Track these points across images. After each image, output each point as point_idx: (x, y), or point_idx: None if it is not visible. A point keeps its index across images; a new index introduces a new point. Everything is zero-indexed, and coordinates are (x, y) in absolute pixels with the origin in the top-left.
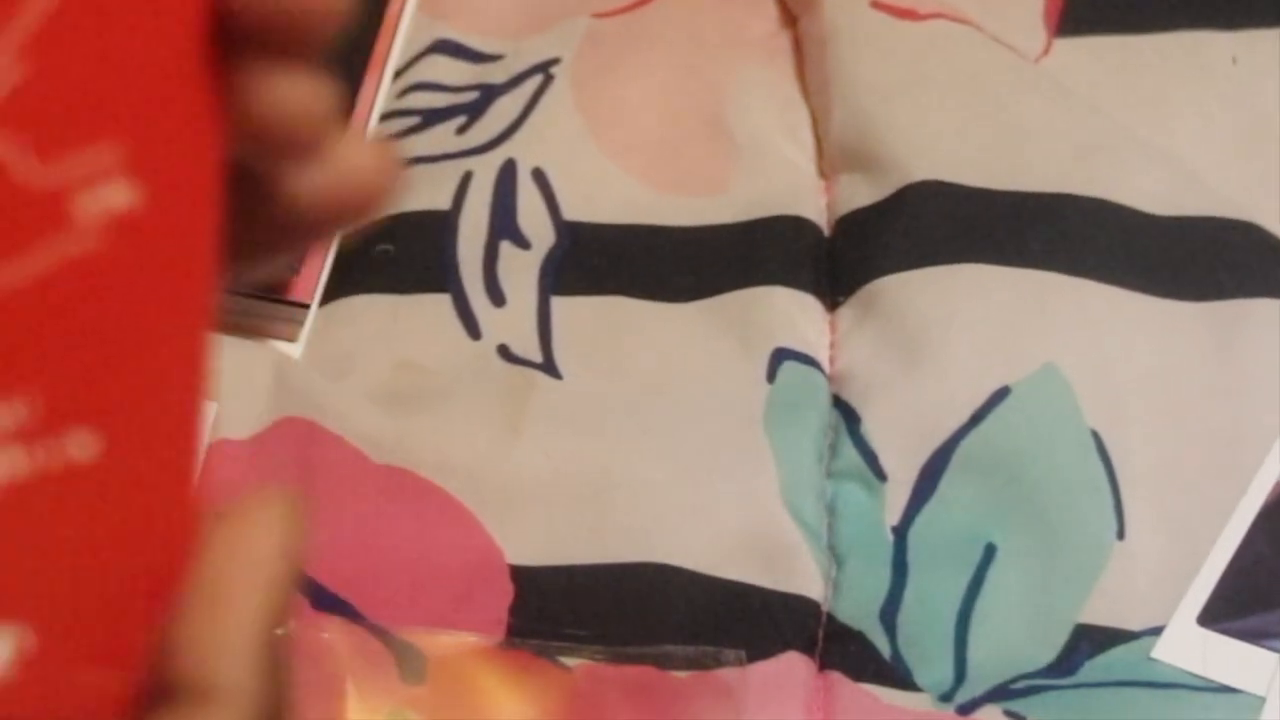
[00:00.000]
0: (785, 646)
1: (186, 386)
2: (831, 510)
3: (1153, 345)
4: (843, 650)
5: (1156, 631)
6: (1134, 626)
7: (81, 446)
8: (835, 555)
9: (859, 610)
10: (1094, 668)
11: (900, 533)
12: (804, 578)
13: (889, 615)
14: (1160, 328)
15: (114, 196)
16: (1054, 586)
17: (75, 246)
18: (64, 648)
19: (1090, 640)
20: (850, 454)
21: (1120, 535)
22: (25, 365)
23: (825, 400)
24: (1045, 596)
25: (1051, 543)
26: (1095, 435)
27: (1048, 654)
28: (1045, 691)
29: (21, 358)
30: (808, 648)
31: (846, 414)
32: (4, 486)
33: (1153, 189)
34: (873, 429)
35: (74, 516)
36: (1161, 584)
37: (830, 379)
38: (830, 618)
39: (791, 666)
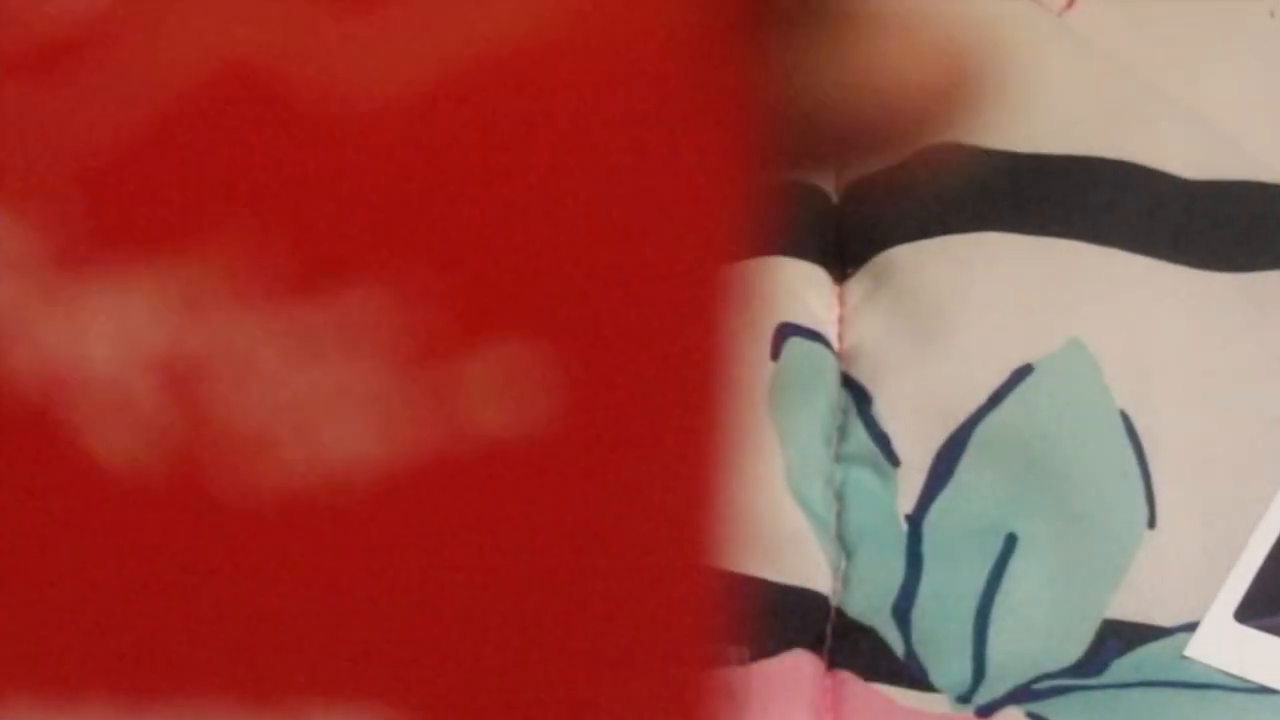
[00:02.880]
0: (791, 644)
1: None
2: (840, 497)
3: (1185, 319)
4: (853, 648)
5: (1190, 628)
6: (1166, 622)
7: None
8: (845, 546)
9: (870, 605)
10: (1123, 667)
11: (915, 521)
12: (811, 570)
13: (902, 610)
14: (1193, 300)
15: None
16: (1080, 579)
17: None
18: None
19: (1119, 637)
20: (860, 437)
21: (1151, 524)
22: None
23: (834, 379)
24: (1070, 590)
25: (1077, 532)
26: (1124, 416)
27: (1073, 652)
28: (1070, 692)
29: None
30: (815, 645)
31: (856, 394)
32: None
33: (1184, 152)
34: (885, 410)
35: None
36: (1195, 577)
37: (839, 356)
38: (839, 613)
39: (798, 665)
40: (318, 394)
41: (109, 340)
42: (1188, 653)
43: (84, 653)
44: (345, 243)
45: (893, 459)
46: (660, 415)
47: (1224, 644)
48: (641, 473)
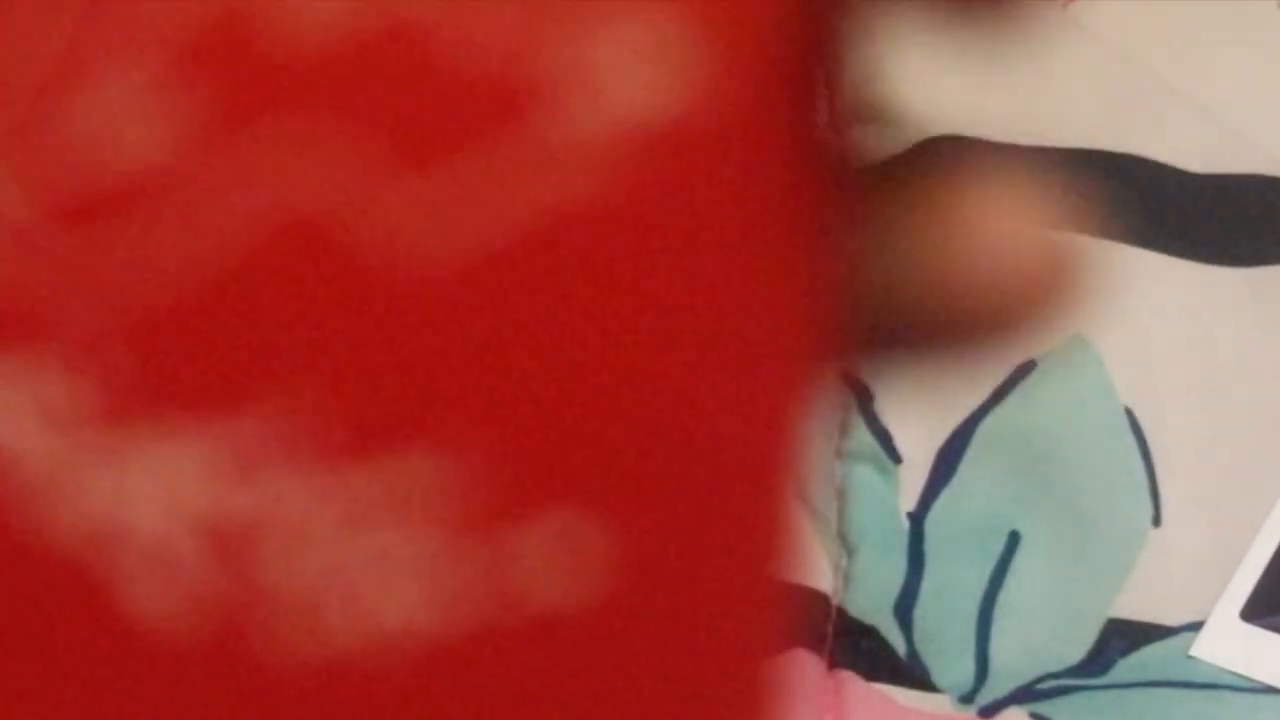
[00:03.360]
0: (791, 643)
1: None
2: (841, 495)
3: (1192, 315)
4: (854, 647)
5: (1195, 627)
6: (1171, 621)
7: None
8: (845, 544)
9: (872, 604)
10: (1127, 666)
11: (917, 519)
12: (811, 568)
13: (904, 609)
14: (1200, 296)
15: None
16: (1084, 578)
17: None
18: None
19: (1123, 636)
20: (862, 433)
21: (1156, 522)
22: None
23: (835, 375)
24: (1074, 589)
25: (1081, 530)
26: (1129, 413)
27: (1077, 651)
28: (1074, 692)
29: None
30: (816, 644)
31: (857, 390)
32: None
33: (1190, 145)
34: (887, 407)
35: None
36: (1201, 575)
37: None
38: (840, 612)
39: (798, 665)
40: (367, 561)
41: (155, 500)
42: (1193, 652)
43: None
44: (401, 407)
45: (894, 456)
46: (719, 594)
47: (1230, 643)
48: (697, 649)
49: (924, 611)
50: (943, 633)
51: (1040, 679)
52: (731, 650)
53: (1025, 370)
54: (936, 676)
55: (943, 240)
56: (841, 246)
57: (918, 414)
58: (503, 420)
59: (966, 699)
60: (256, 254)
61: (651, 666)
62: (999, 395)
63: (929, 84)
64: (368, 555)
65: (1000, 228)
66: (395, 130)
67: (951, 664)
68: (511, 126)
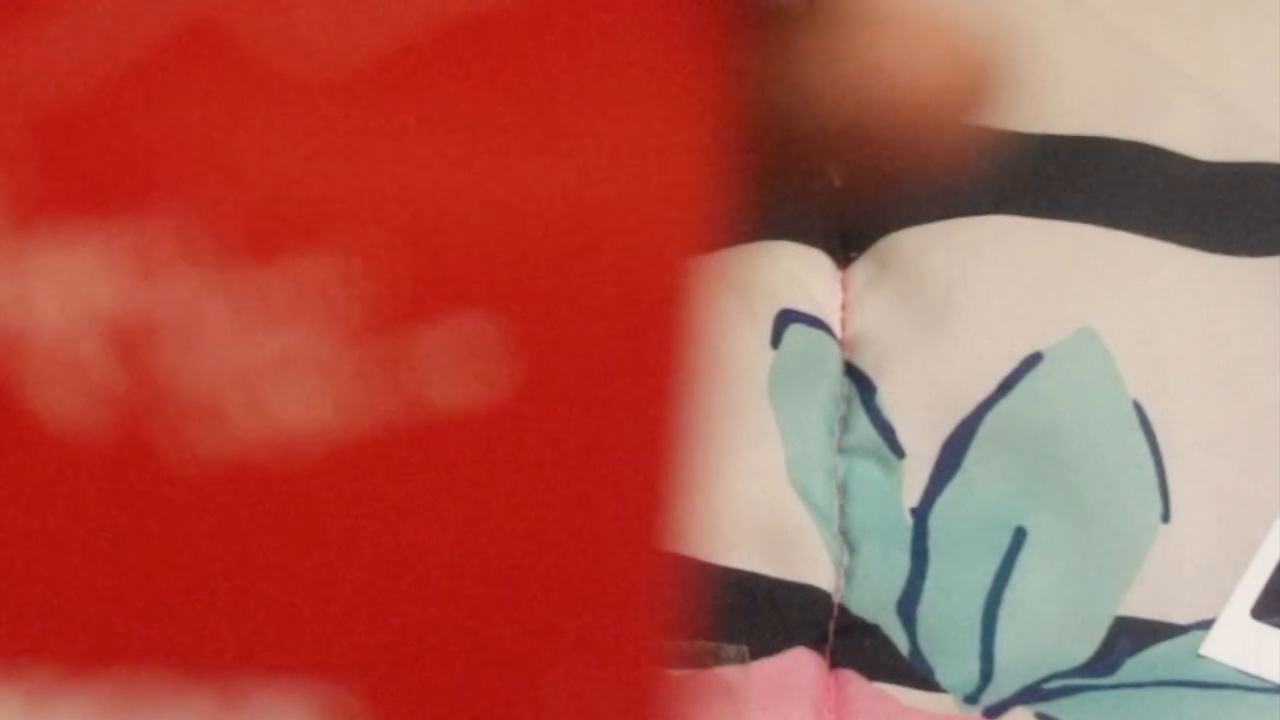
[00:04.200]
0: (792, 642)
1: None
2: (844, 490)
3: (1201, 306)
4: (856, 646)
5: (1205, 625)
6: (1180, 620)
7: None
8: (848, 540)
9: (874, 601)
10: (1136, 666)
11: (920, 515)
12: (813, 565)
13: (908, 607)
14: (1209, 286)
15: None
16: (1091, 575)
17: None
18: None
19: (1131, 635)
20: (864, 428)
21: (1165, 518)
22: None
23: (836, 368)
24: (1082, 586)
25: (1088, 527)
26: (1137, 406)
27: (1084, 650)
28: (1082, 692)
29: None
30: (817, 643)
31: (860, 383)
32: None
33: (1200, 132)
34: (889, 400)
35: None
36: (1211, 572)
37: (842, 344)
38: (842, 610)
39: (799, 664)
40: (269, 361)
41: (58, 302)
42: (1203, 651)
43: (22, 618)
44: (301, 208)
45: (897, 450)
46: (620, 396)
47: (1241, 642)
48: (597, 453)
49: (927, 610)
50: (947, 631)
51: (1047, 678)
52: (633, 454)
53: (1032, 362)
54: (940, 676)
55: (856, 47)
56: (757, 64)
57: (921, 407)
58: (404, 222)
59: (971, 699)
60: (156, 54)
61: (549, 470)
62: (1005, 388)
63: None
64: (270, 356)
65: (907, 30)
66: None
67: (956, 663)
68: None
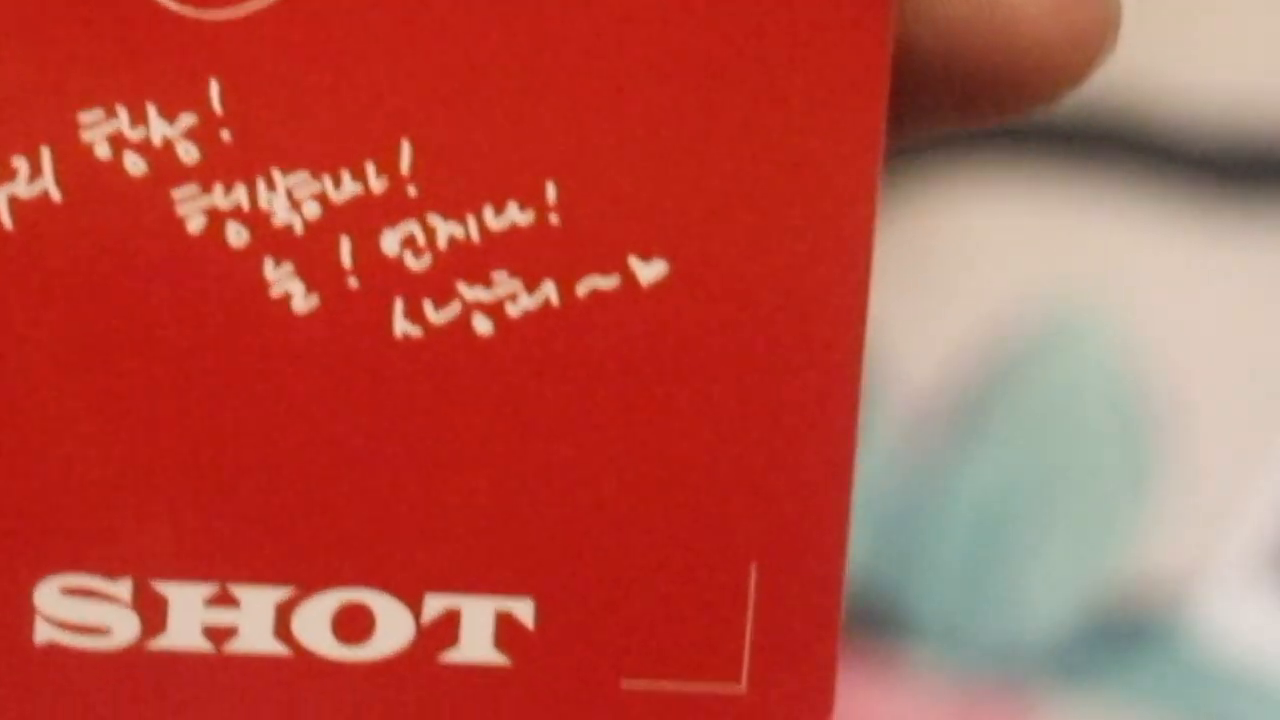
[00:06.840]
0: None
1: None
2: None
3: (1201, 280)
4: (846, 627)
5: (1206, 607)
6: (1182, 599)
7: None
8: None
9: (865, 582)
10: (1135, 646)
11: (914, 491)
12: None
13: (896, 583)
14: (1210, 260)
15: None
16: (1088, 555)
17: None
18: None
19: (1129, 616)
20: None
21: (1167, 498)
22: None
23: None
24: (1079, 566)
25: (1085, 505)
26: (1140, 384)
27: (1080, 631)
28: (1078, 673)
29: None
30: None
31: None
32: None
33: (1212, 99)
34: (881, 374)
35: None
36: (1214, 555)
37: None
38: None
39: None
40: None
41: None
42: (1205, 631)
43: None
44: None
45: (890, 422)
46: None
47: (1244, 622)
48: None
49: (918, 589)
50: (939, 612)
51: (1042, 659)
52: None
53: (1028, 334)
54: (930, 656)
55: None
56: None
57: (913, 381)
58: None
59: (962, 680)
60: None
61: (725, 386)
62: (999, 360)
63: None
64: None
65: None
66: None
67: (944, 640)
68: None
